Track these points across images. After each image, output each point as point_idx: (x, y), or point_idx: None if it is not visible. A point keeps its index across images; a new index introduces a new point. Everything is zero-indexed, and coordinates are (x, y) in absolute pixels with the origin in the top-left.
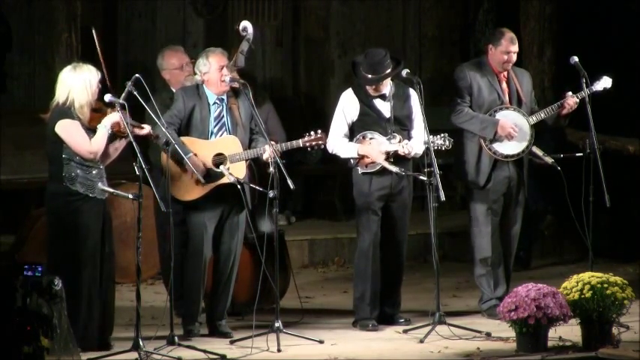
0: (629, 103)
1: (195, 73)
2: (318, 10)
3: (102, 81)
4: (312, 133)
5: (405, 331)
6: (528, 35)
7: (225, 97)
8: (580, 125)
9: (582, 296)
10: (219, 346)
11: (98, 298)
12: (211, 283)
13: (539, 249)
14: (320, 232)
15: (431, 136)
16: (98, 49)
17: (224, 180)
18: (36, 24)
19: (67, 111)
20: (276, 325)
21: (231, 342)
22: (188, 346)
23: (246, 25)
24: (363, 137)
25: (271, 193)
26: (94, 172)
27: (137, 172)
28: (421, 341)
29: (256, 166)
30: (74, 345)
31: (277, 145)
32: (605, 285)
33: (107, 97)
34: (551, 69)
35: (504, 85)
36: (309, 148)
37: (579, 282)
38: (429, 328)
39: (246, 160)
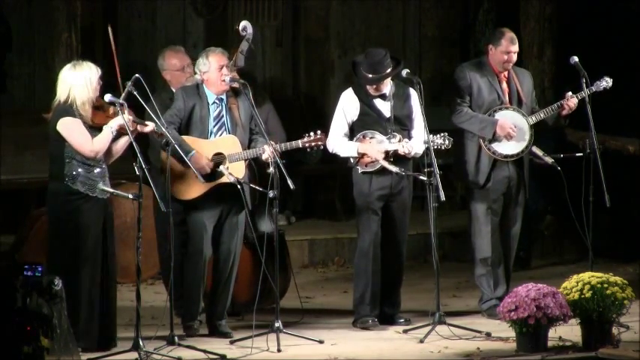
0: (629, 103)
1: (195, 74)
2: (318, 10)
3: (113, 78)
4: (312, 133)
5: (405, 331)
6: (528, 35)
7: (224, 96)
8: (580, 125)
9: (582, 296)
10: (219, 346)
11: (100, 297)
12: (211, 282)
13: (539, 249)
14: (320, 232)
15: (431, 136)
16: (113, 46)
17: (224, 179)
18: (36, 24)
19: (68, 109)
20: (276, 325)
21: (231, 342)
22: (188, 346)
23: (246, 25)
24: (364, 137)
25: (271, 193)
26: (95, 171)
27: (137, 172)
28: (421, 341)
29: (257, 166)
30: (74, 345)
31: (277, 146)
32: (605, 285)
33: (107, 97)
34: (551, 69)
35: (504, 85)
36: (308, 149)
37: (579, 282)
38: (429, 328)
39: (245, 160)
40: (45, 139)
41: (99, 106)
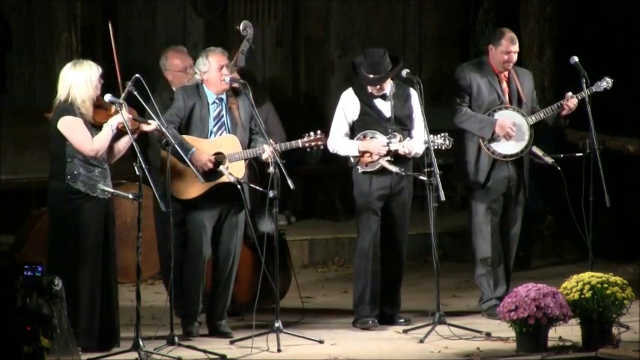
0: (629, 103)
1: (195, 73)
2: (318, 10)
3: (113, 78)
4: (312, 133)
5: (405, 331)
6: (528, 35)
7: (224, 96)
8: (580, 125)
9: (582, 296)
10: (219, 346)
11: (101, 297)
12: (211, 283)
13: (539, 249)
14: (320, 232)
15: (431, 136)
16: (113, 43)
17: (224, 179)
18: (36, 24)
19: (69, 108)
20: (276, 325)
21: (231, 342)
22: (188, 346)
23: (246, 25)
24: (364, 136)
25: (271, 193)
26: (96, 171)
27: (137, 172)
28: (421, 341)
29: (258, 166)
30: (74, 345)
31: (277, 145)
32: (605, 285)
33: (107, 97)
34: (551, 69)
35: (504, 85)
36: (308, 149)
37: (579, 282)
38: (429, 328)
39: (245, 160)
40: (45, 138)
41: (100, 105)
